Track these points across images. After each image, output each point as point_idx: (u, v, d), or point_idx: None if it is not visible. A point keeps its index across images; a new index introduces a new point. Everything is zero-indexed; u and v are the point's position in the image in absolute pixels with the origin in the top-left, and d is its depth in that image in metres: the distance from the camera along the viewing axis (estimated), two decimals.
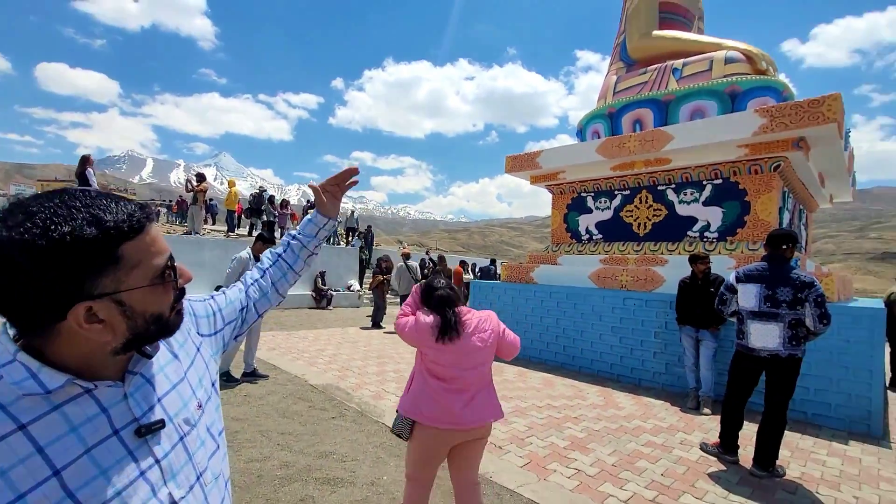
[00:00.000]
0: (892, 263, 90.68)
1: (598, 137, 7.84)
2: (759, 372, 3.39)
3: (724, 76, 6.81)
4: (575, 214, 7.98)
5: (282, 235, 15.27)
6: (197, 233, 12.40)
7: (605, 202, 7.58)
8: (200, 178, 12.87)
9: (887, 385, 5.93)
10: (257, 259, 5.39)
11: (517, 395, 5.07)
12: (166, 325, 0.72)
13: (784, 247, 3.32)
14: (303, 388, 5.00)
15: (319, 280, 13.28)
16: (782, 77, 7.31)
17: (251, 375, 5.27)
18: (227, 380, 5.06)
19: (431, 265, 10.51)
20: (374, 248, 18.07)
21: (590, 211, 7.77)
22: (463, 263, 16.12)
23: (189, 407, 0.78)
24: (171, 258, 0.72)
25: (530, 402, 4.83)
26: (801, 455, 3.69)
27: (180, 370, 0.81)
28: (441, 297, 2.19)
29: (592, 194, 7.76)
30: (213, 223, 19.17)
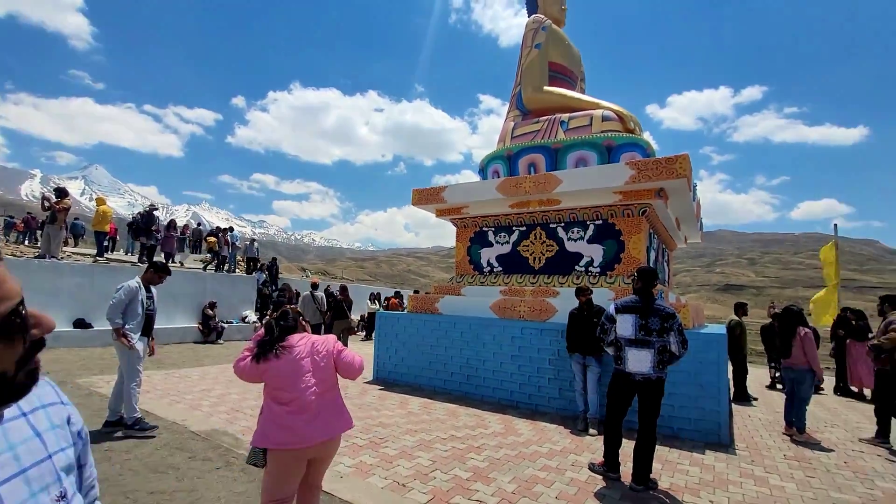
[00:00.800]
0: (732, 294, 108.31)
1: (498, 177, 8.44)
2: (633, 394, 3.82)
3: (602, 132, 7.81)
4: (477, 247, 8.38)
5: (169, 260, 13.61)
6: (53, 256, 10.59)
7: (505, 237, 8.09)
8: (61, 193, 11.09)
9: (731, 398, 7.00)
10: (148, 290, 4.77)
11: (422, 428, 5.04)
12: (10, 386, 0.61)
13: (654, 283, 3.85)
14: (182, 437, 4.45)
15: (208, 310, 12.03)
16: (647, 135, 8.61)
17: (131, 428, 4.45)
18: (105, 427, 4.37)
19: (332, 299, 10.13)
20: (278, 279, 16.90)
21: (491, 244, 8.22)
22: (398, 295, 15.76)
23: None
24: (19, 304, 0.61)
25: (434, 435, 4.83)
26: (669, 467, 4.18)
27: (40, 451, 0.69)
28: (266, 324, 2.54)
29: (493, 229, 8.24)
30: (76, 245, 16.45)
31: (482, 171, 9.22)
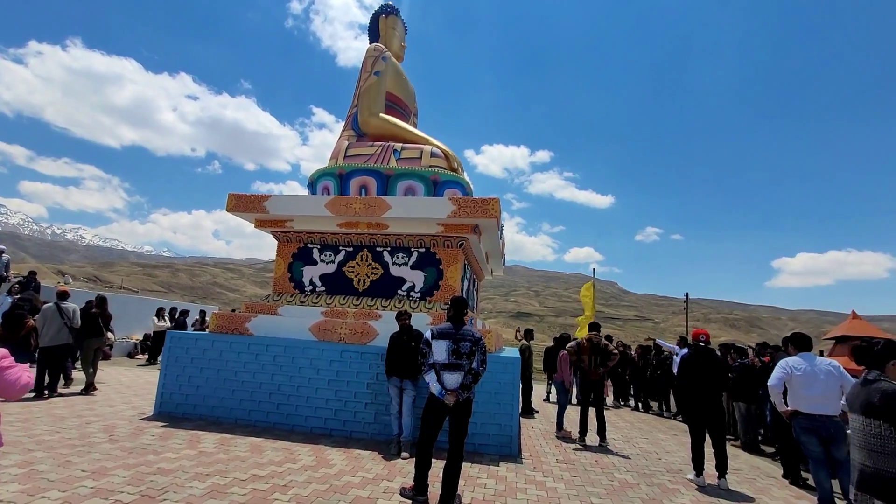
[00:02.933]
0: (522, 320, 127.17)
1: (328, 193, 8.22)
2: (445, 416, 4.06)
3: (430, 166, 8.39)
4: (300, 265, 7.90)
5: None
6: None
7: (331, 256, 7.84)
8: None
9: (520, 412, 8.10)
10: None
11: (216, 471, 4.36)
12: None
13: (465, 311, 4.22)
14: None
15: None
16: (466, 176, 9.60)
17: None
18: None
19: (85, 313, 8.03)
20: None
21: (315, 263, 7.86)
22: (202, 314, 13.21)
23: None
24: None
25: (232, 477, 4.23)
26: (471, 482, 4.54)
27: None
28: None
29: (319, 247, 7.92)
30: None
31: (311, 186, 8.85)
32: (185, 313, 13.82)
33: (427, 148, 8.58)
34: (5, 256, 11.26)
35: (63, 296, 7.52)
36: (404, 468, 4.83)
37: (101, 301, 8.69)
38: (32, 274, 11.73)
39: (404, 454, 5.24)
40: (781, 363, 4.25)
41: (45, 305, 7.44)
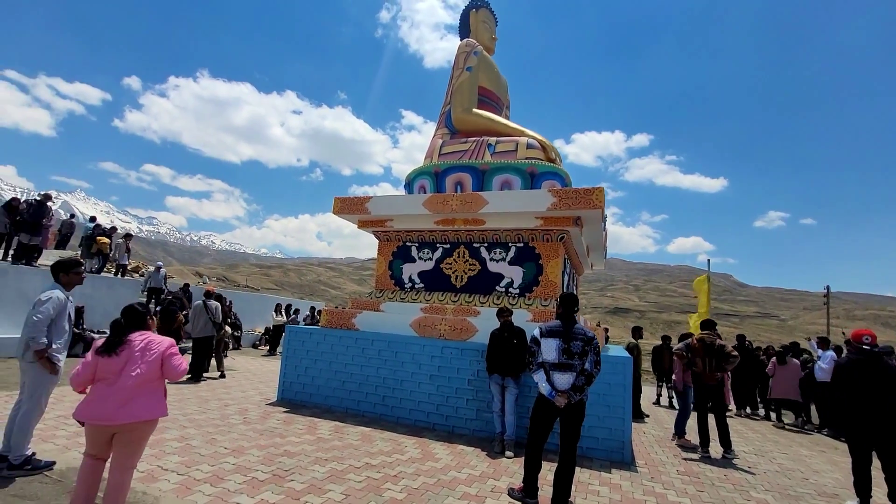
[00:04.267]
0: (620, 316, 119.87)
1: (425, 192, 8.37)
2: (556, 417, 3.87)
3: (526, 158, 8.14)
4: (399, 262, 8.18)
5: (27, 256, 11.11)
6: None
7: (428, 253, 7.99)
8: None
9: None
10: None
11: (333, 457, 4.65)
12: None
13: (575, 308, 3.97)
14: (26, 480, 3.59)
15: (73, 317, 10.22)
16: (564, 167, 9.16)
17: (19, 468, 3.63)
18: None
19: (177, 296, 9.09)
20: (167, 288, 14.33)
21: (413, 260, 8.07)
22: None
23: None
24: None
25: (347, 464, 4.47)
26: (582, 488, 4.29)
27: None
28: (112, 323, 3.10)
29: (417, 244, 8.12)
30: None
31: (408, 186, 9.11)
32: (296, 311, 15.16)
33: (522, 140, 8.34)
34: (163, 271, 13.24)
35: (209, 294, 8.67)
36: (510, 467, 4.72)
37: (219, 297, 9.74)
38: (186, 286, 13.70)
39: (508, 453, 5.13)
40: None
41: (196, 303, 8.63)
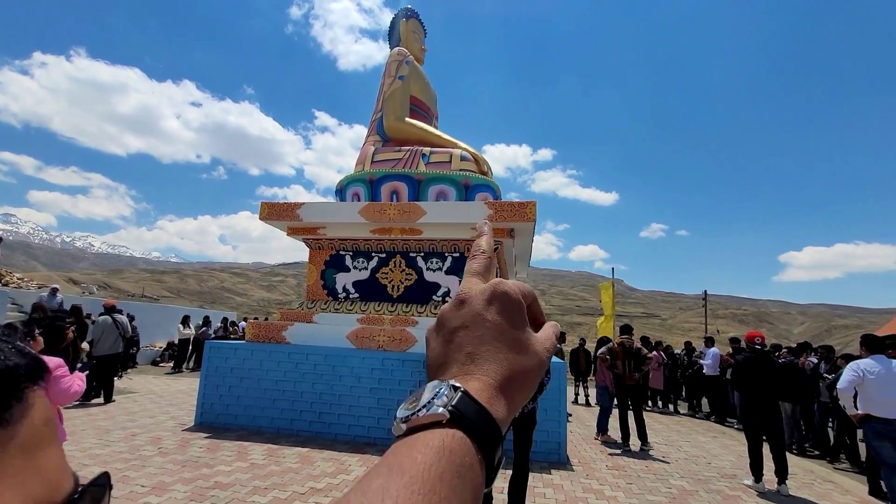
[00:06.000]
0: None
1: (359, 200, 8.19)
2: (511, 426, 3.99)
3: (461, 170, 8.34)
4: (333, 271, 7.88)
5: None
6: None
7: (363, 262, 7.81)
8: None
9: None
10: None
11: (273, 484, 4.33)
12: None
13: None
14: None
15: None
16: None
17: None
18: None
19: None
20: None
21: (348, 269, 7.83)
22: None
23: None
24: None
25: (291, 491, 4.19)
26: (529, 492, 4.47)
27: None
28: None
29: (351, 253, 7.89)
30: None
31: (340, 193, 8.83)
32: (208, 322, 13.85)
33: (456, 152, 8.52)
34: (60, 296, 11.15)
35: (113, 308, 7.65)
36: None
37: (75, 310, 8.52)
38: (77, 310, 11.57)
39: None
40: (852, 366, 4.16)
41: (101, 317, 7.56)
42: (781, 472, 4.85)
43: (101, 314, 8.05)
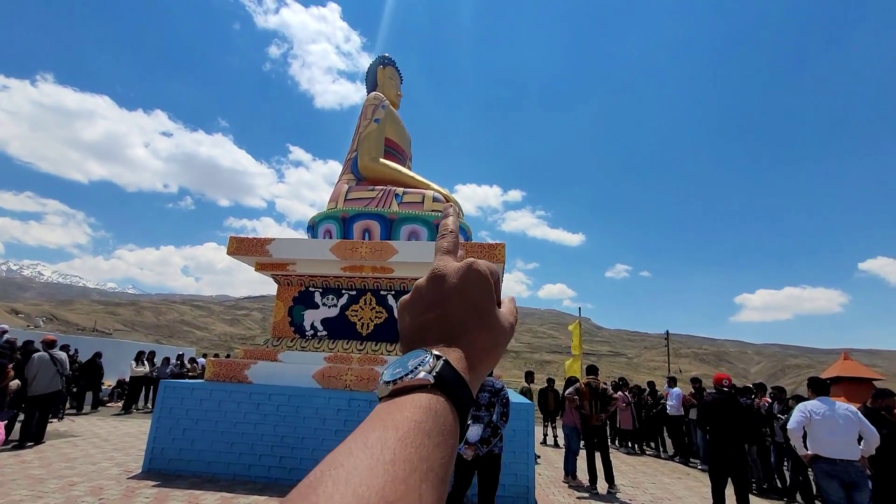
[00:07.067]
0: (509, 360, 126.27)
1: (331, 237, 8.21)
2: (472, 470, 3.95)
3: (433, 210, 8.53)
4: (301, 308, 7.75)
5: None
6: None
7: (333, 299, 7.74)
8: None
9: None
10: None
11: None
12: None
13: None
14: None
15: None
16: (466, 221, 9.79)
17: None
18: None
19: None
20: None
21: (317, 306, 7.73)
22: None
23: None
24: None
25: None
26: None
27: None
28: None
29: (321, 290, 7.81)
30: None
31: (312, 229, 8.83)
32: (165, 360, 13.14)
33: (429, 193, 8.74)
34: (7, 336, 10.41)
35: (52, 344, 7.19)
36: None
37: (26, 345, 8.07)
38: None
39: None
40: (800, 407, 4.39)
41: (38, 354, 7.08)
42: None
43: (37, 350, 7.60)
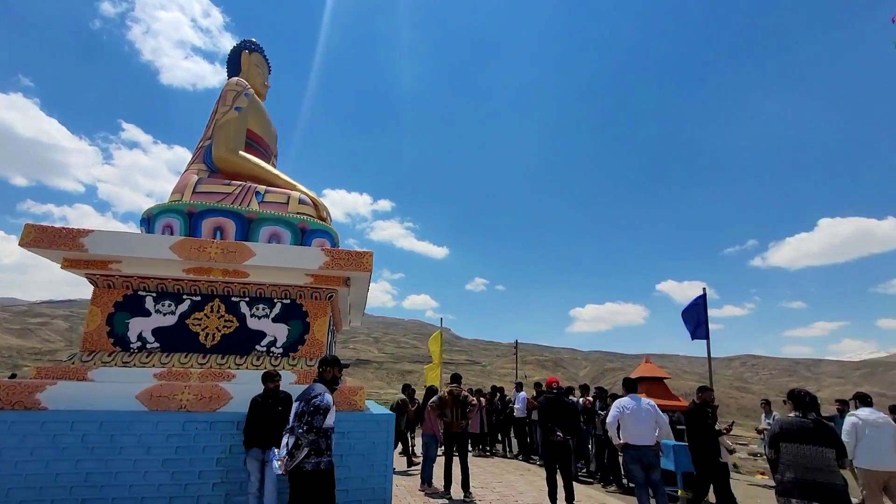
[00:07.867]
0: (361, 367, 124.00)
1: (172, 233, 7.13)
2: (300, 488, 3.66)
3: (298, 213, 8.03)
4: (125, 316, 6.51)
5: None
6: None
7: (170, 306, 6.69)
8: None
9: None
10: None
11: None
12: None
13: (323, 368, 4.08)
14: None
15: None
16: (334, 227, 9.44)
17: None
18: None
19: None
20: None
21: (148, 314, 6.58)
22: None
23: None
24: None
25: None
26: None
27: None
28: None
29: (154, 294, 6.69)
30: None
31: (147, 222, 7.54)
32: None
33: (295, 194, 8.22)
34: None
35: None
36: None
37: None
38: None
39: None
40: (615, 403, 5.21)
41: None
42: (570, 498, 5.64)
43: None
